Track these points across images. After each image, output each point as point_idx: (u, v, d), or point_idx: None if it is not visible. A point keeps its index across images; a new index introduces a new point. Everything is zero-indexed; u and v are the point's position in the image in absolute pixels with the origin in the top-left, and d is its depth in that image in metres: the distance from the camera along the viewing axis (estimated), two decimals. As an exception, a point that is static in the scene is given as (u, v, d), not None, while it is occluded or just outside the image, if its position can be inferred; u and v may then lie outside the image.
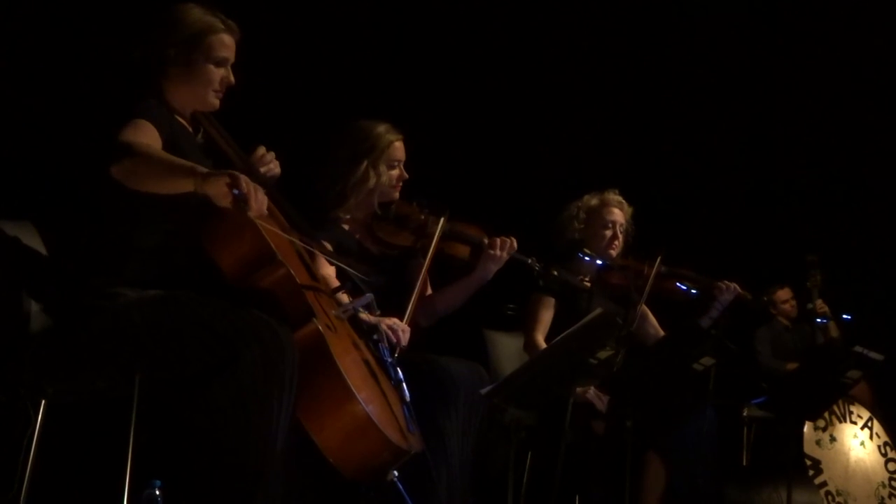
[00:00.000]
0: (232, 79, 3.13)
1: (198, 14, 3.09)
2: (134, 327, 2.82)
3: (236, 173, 2.73)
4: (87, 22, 4.28)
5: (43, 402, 3.03)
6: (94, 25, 4.27)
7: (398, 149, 3.93)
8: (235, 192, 2.68)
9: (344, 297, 3.35)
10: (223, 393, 2.70)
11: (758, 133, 6.75)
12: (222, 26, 3.10)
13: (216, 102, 3.13)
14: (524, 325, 4.50)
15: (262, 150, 3.28)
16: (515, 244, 3.93)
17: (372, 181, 3.86)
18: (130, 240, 2.93)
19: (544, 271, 4.11)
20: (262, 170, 3.26)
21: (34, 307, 3.10)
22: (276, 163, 3.30)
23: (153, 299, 2.86)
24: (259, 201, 2.75)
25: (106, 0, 4.37)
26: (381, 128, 3.92)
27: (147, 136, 2.86)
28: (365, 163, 3.85)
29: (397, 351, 3.51)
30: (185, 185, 2.76)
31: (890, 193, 6.53)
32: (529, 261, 4.03)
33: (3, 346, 3.09)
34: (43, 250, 3.31)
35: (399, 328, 3.55)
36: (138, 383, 2.84)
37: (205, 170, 2.76)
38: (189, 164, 2.81)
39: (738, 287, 4.60)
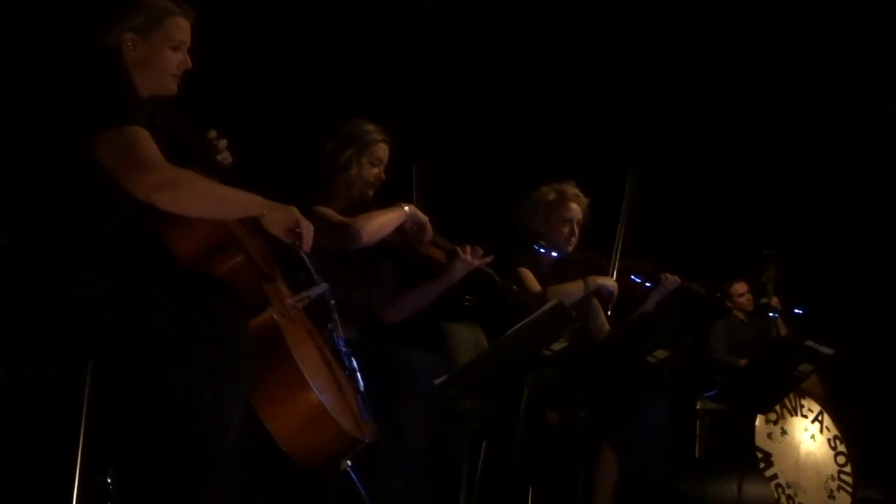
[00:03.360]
0: (189, 63, 3.10)
1: None
2: (89, 313, 2.81)
3: (299, 214, 2.94)
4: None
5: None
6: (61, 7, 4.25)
7: (383, 149, 4.00)
8: (297, 230, 2.92)
9: None
10: (178, 381, 2.70)
11: (716, 129, 6.73)
12: (178, 9, 3.08)
13: (174, 87, 3.10)
14: (514, 287, 4.46)
15: (213, 133, 3.28)
16: (480, 252, 4.04)
17: (353, 171, 3.94)
18: (89, 225, 2.90)
19: (505, 285, 4.18)
20: (219, 157, 3.26)
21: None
22: (227, 151, 3.29)
23: (110, 286, 2.84)
24: (309, 238, 2.97)
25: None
26: (372, 126, 4.01)
27: (152, 146, 2.85)
28: (350, 151, 3.94)
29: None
30: (248, 212, 2.96)
31: (843, 191, 6.59)
32: (493, 272, 4.10)
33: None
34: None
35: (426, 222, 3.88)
36: (91, 370, 2.83)
37: (265, 200, 2.92)
38: (246, 195, 2.93)
39: (679, 279, 4.63)
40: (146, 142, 2.83)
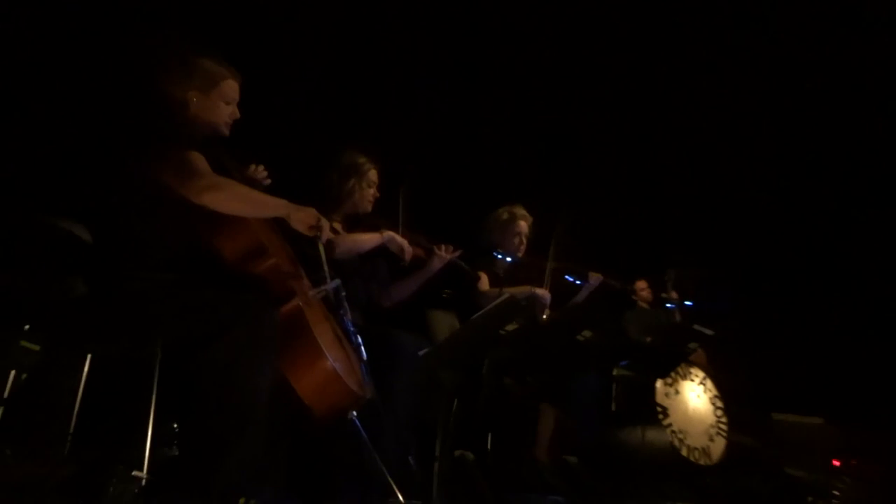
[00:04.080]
0: (238, 114, 3.10)
1: (212, 64, 3.07)
2: (155, 302, 2.80)
3: (318, 213, 2.96)
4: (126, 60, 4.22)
5: (88, 357, 3.02)
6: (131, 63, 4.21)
7: (374, 174, 4.01)
8: (318, 226, 2.95)
9: None
10: (220, 355, 2.69)
11: (636, 153, 6.54)
12: (230, 74, 3.08)
13: (226, 132, 3.11)
14: (472, 287, 4.49)
15: (253, 166, 3.29)
16: (452, 248, 4.04)
17: (356, 194, 3.95)
18: (156, 235, 2.89)
19: (472, 273, 4.20)
20: (259, 179, 3.28)
21: (79, 283, 3.08)
22: (266, 174, 3.31)
23: (170, 281, 2.84)
24: (327, 231, 2.99)
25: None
26: (363, 158, 4.00)
27: (204, 162, 2.86)
28: (353, 180, 3.95)
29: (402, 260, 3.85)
30: (277, 212, 2.96)
31: (732, 209, 6.48)
32: (462, 264, 4.11)
33: (53, 312, 3.06)
34: (88, 240, 3.29)
35: (404, 244, 3.87)
36: (160, 345, 2.83)
37: (290, 203, 2.94)
38: (275, 199, 2.95)
39: (602, 276, 4.63)
40: (199, 160, 2.84)
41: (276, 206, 2.94)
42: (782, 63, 6.16)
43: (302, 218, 2.94)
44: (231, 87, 3.08)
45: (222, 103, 3.07)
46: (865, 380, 5.69)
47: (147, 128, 2.95)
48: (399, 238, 3.88)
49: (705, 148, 6.36)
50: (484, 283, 4.45)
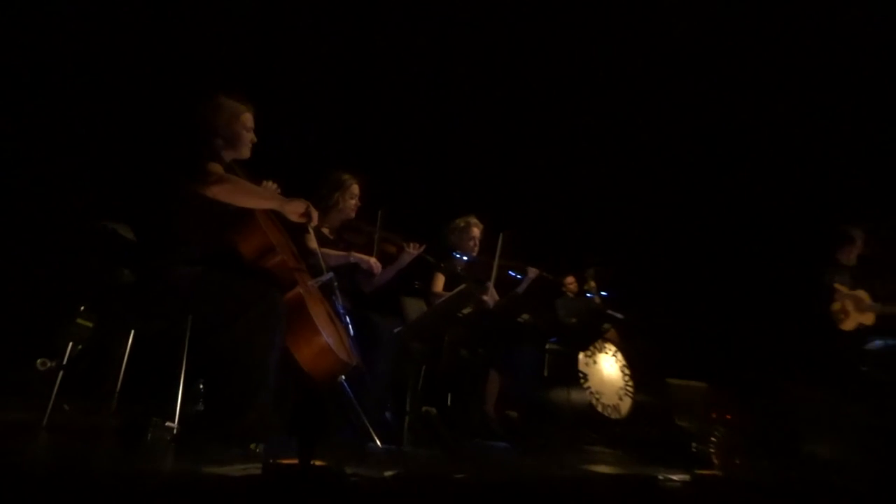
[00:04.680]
0: (255, 138, 3.08)
1: (232, 102, 3.06)
2: (187, 289, 2.80)
3: (307, 203, 2.91)
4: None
5: (132, 331, 3.00)
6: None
7: (356, 188, 3.96)
8: (308, 213, 2.90)
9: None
10: (238, 332, 2.71)
11: (565, 174, 6.28)
12: (246, 108, 3.07)
13: (248, 154, 3.08)
14: (428, 286, 4.47)
15: (265, 182, 3.26)
16: (419, 245, 4.01)
17: (340, 205, 3.90)
18: (188, 233, 2.88)
19: (437, 266, 4.20)
20: None
21: (126, 272, 3.07)
22: (277, 187, 3.27)
23: (198, 272, 2.83)
24: (315, 219, 2.94)
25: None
26: (347, 175, 3.96)
27: (219, 168, 2.88)
28: (337, 194, 3.91)
29: (372, 274, 3.75)
30: (271, 205, 2.93)
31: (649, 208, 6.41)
32: (429, 257, 4.09)
33: (104, 295, 3.04)
34: (132, 238, 3.28)
35: (375, 263, 3.79)
36: (190, 323, 2.83)
37: (283, 197, 2.92)
38: (271, 193, 2.95)
39: (538, 271, 4.61)
40: (215, 166, 2.85)
41: (271, 199, 2.94)
42: (684, 87, 6.11)
43: (293, 208, 2.91)
44: (248, 118, 3.07)
45: (244, 131, 3.06)
46: (736, 354, 5.76)
47: (188, 152, 2.95)
48: (364, 258, 3.81)
49: (616, 173, 6.37)
50: (438, 284, 4.39)
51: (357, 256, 3.75)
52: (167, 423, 2.69)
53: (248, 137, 3.06)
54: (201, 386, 2.97)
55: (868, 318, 5.23)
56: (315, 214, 2.94)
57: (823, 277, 5.20)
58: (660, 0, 5.66)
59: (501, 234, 4.41)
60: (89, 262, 3.39)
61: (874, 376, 5.19)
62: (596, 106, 6.19)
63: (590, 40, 5.90)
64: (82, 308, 3.13)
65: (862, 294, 5.22)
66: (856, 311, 5.23)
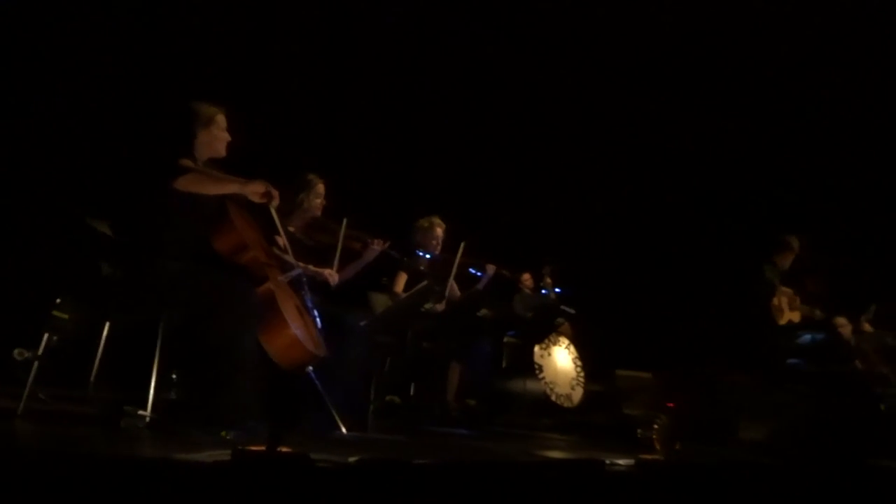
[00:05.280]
0: (230, 138, 3.06)
1: (207, 107, 3.04)
2: (166, 282, 2.78)
3: (267, 184, 2.86)
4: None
5: (107, 323, 2.95)
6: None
7: (321, 189, 3.89)
8: (269, 193, 2.84)
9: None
10: (216, 323, 2.68)
11: (523, 181, 6.32)
12: (220, 110, 3.06)
13: (224, 152, 3.06)
14: (390, 284, 4.42)
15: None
16: (383, 242, 3.96)
17: (306, 205, 3.83)
18: (168, 231, 2.86)
19: (401, 261, 4.16)
20: None
21: (104, 266, 3.01)
22: None
23: (177, 267, 2.81)
24: (277, 198, 2.89)
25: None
26: (312, 175, 3.89)
27: (188, 163, 2.85)
28: (302, 195, 3.84)
29: (331, 287, 3.60)
30: (233, 189, 2.87)
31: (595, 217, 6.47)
32: (393, 253, 4.05)
33: (84, 289, 2.98)
34: (111, 234, 3.22)
35: (331, 274, 3.65)
36: (166, 314, 2.80)
37: (244, 180, 2.86)
38: (232, 177, 2.89)
39: (496, 268, 4.59)
40: (187, 162, 2.84)
41: (232, 184, 2.89)
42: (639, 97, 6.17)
43: (253, 189, 2.87)
44: (221, 119, 3.06)
45: (218, 132, 3.04)
46: (679, 346, 5.85)
47: (164, 153, 2.92)
48: (320, 271, 3.66)
49: (570, 178, 6.42)
50: (399, 284, 4.34)
51: (312, 270, 3.61)
52: (139, 412, 2.64)
53: (224, 137, 3.05)
54: (174, 376, 2.92)
55: (796, 316, 5.40)
56: (276, 194, 2.90)
57: (764, 274, 5.35)
58: (616, 13, 5.69)
59: (463, 242, 4.39)
60: (68, 256, 3.32)
61: (803, 367, 5.34)
62: (551, 114, 6.24)
63: (549, 48, 5.93)
64: (59, 300, 3.06)
65: (794, 293, 5.38)
66: (788, 309, 5.39)
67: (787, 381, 5.04)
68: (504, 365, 5.25)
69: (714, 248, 6.30)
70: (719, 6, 5.51)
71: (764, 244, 5.54)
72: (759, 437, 4.01)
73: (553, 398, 5.05)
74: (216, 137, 3.02)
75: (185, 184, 2.78)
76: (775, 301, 5.32)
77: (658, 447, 2.90)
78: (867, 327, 5.54)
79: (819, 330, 5.52)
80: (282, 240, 3.20)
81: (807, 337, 5.50)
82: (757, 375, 4.92)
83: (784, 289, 5.36)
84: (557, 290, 5.27)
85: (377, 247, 3.91)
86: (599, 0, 5.64)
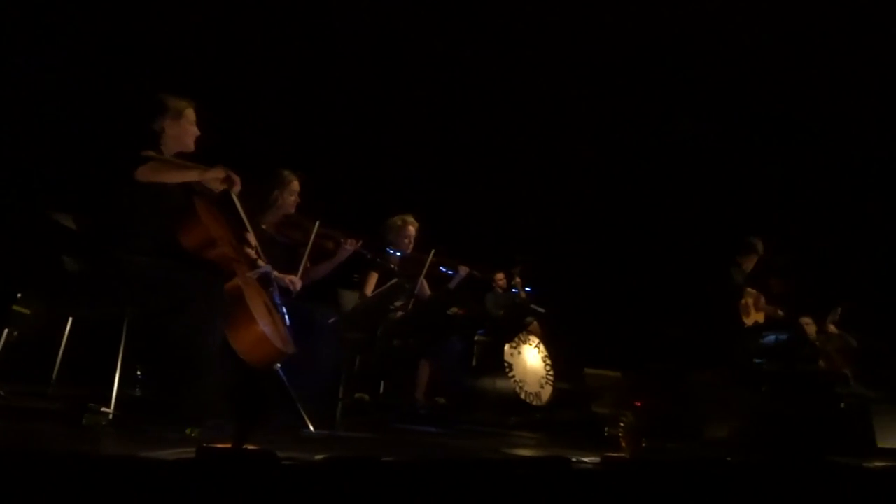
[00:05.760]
0: (198, 132, 3.04)
1: (176, 100, 3.02)
2: (132, 277, 2.73)
3: (227, 169, 2.82)
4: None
5: (70, 319, 2.90)
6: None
7: (296, 186, 3.87)
8: (230, 178, 2.80)
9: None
10: (183, 319, 2.65)
11: (498, 183, 6.28)
12: (189, 104, 3.03)
13: (193, 146, 3.03)
14: (361, 284, 4.41)
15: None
16: (356, 241, 3.94)
17: (280, 202, 3.81)
18: (131, 226, 2.82)
19: (374, 260, 4.14)
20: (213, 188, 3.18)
21: (67, 261, 2.96)
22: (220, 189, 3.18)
23: (144, 262, 2.77)
24: (238, 184, 2.85)
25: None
26: (287, 172, 3.87)
27: (152, 154, 2.81)
28: (276, 192, 3.81)
29: (292, 294, 3.50)
30: (193, 177, 2.84)
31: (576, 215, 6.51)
32: (366, 252, 4.03)
33: (46, 283, 2.93)
34: (74, 228, 3.17)
35: (294, 281, 3.57)
36: (130, 310, 2.76)
37: (204, 167, 2.83)
38: (193, 164, 2.86)
39: (468, 269, 4.60)
40: (150, 153, 2.80)
41: (192, 171, 2.87)
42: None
43: (214, 175, 2.85)
44: (190, 113, 3.04)
45: (188, 126, 3.02)
46: (647, 345, 5.92)
47: (131, 146, 2.87)
48: (284, 278, 3.59)
49: (543, 180, 6.47)
50: (370, 285, 4.32)
51: (278, 276, 3.54)
52: (102, 409, 2.59)
53: (192, 131, 3.02)
54: (139, 373, 2.88)
55: (761, 317, 5.52)
56: (237, 180, 2.88)
57: (731, 276, 5.45)
58: (586, 13, 5.73)
59: (433, 251, 4.38)
60: (30, 249, 3.25)
61: (767, 367, 5.45)
62: (524, 114, 6.27)
63: (521, 49, 5.96)
64: (20, 295, 3.00)
65: (759, 294, 5.50)
66: (755, 310, 5.50)
67: (752, 380, 5.14)
68: (474, 363, 5.26)
69: (681, 249, 6.39)
70: (688, 7, 5.58)
71: (730, 246, 5.64)
72: (723, 434, 4.08)
73: (522, 396, 5.07)
74: (185, 131, 2.99)
75: (145, 173, 2.75)
76: (742, 302, 5.43)
77: (624, 445, 2.93)
78: (832, 328, 5.69)
79: (783, 330, 5.64)
80: (251, 237, 3.17)
81: (771, 337, 5.62)
82: (722, 374, 5.01)
83: (750, 290, 5.47)
84: (528, 289, 5.30)
85: (350, 247, 3.90)
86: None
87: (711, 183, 6.58)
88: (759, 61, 5.94)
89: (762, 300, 5.50)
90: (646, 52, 5.92)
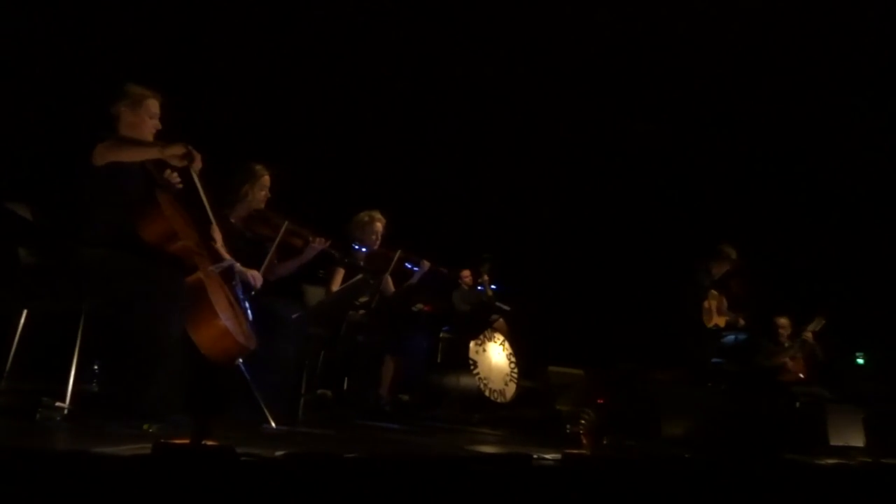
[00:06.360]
0: (159, 125, 2.98)
1: (138, 88, 2.97)
2: (90, 269, 2.69)
3: (187, 145, 2.74)
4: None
5: (24, 311, 2.84)
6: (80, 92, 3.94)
7: (266, 181, 3.80)
8: (190, 154, 2.72)
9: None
10: (140, 312, 2.61)
11: (465, 183, 6.39)
12: (152, 94, 2.97)
13: (150, 140, 2.96)
14: (327, 280, 4.37)
15: (168, 171, 3.07)
16: (324, 240, 3.91)
17: (250, 197, 3.75)
18: (92, 215, 2.77)
19: (339, 257, 4.11)
20: (173, 182, 3.12)
21: (22, 252, 2.88)
22: (179, 181, 3.10)
23: (102, 253, 2.72)
24: (199, 161, 2.78)
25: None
26: (258, 166, 3.80)
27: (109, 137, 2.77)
28: (246, 186, 3.76)
29: (252, 289, 3.44)
30: (152, 154, 2.77)
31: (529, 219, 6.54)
32: (333, 252, 3.99)
33: (1, 275, 2.86)
34: (30, 219, 3.10)
35: (255, 276, 3.52)
36: (87, 303, 2.71)
37: (163, 143, 2.76)
38: (148, 144, 2.80)
39: (432, 264, 4.56)
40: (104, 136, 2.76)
41: (150, 150, 2.82)
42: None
43: (173, 152, 2.76)
44: (153, 104, 2.98)
45: (147, 117, 2.96)
46: (611, 344, 6.00)
47: (86, 132, 2.82)
48: (246, 272, 3.52)
49: (513, 180, 6.50)
50: (336, 281, 4.29)
51: (240, 269, 3.48)
52: (57, 404, 2.54)
53: (151, 124, 2.96)
54: (95, 367, 2.82)
55: (721, 321, 5.65)
56: (197, 156, 2.80)
57: (698, 279, 5.56)
58: (554, 16, 5.78)
59: (399, 250, 4.37)
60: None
61: (725, 366, 5.57)
62: (491, 113, 6.31)
63: (488, 49, 5.98)
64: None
65: (723, 298, 5.62)
66: (717, 313, 5.62)
67: (710, 379, 5.24)
68: (439, 360, 5.27)
69: (646, 250, 6.49)
70: (658, 11, 5.65)
71: (696, 247, 5.75)
72: (681, 432, 4.15)
73: (487, 394, 5.10)
74: (142, 121, 2.93)
75: (101, 152, 2.70)
76: (705, 304, 5.53)
77: (585, 442, 2.97)
78: (809, 336, 5.85)
79: (742, 331, 5.78)
80: (215, 231, 3.12)
81: (730, 337, 5.74)
82: (681, 373, 5.10)
83: (713, 292, 5.58)
84: (494, 286, 5.32)
85: (318, 245, 3.87)
86: (536, 2, 5.72)
87: (677, 185, 6.69)
88: (728, 66, 6.06)
89: (724, 304, 5.62)
90: (615, 54, 5.99)
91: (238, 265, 3.38)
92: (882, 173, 6.39)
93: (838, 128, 6.32)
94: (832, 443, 4.67)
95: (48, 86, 4.07)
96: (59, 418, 2.53)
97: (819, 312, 5.88)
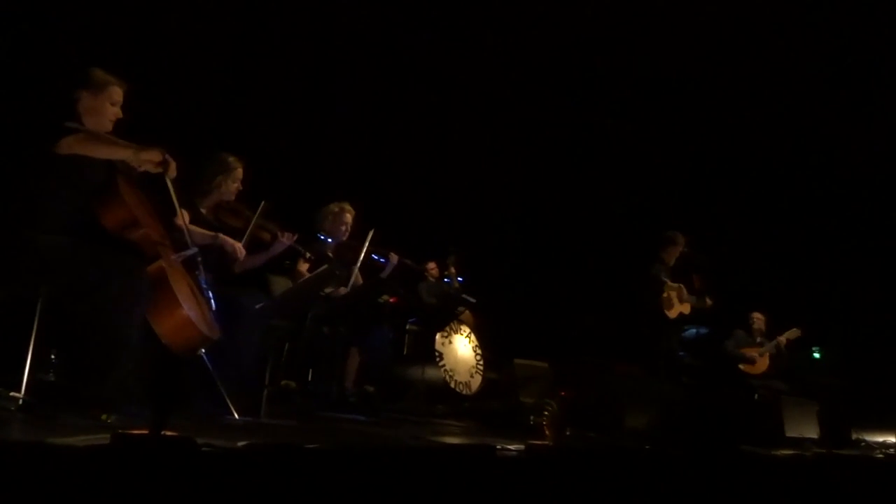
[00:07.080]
0: (120, 114, 2.92)
1: (101, 74, 2.90)
2: (48, 257, 2.63)
3: (164, 151, 2.71)
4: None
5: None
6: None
7: (239, 173, 3.77)
8: (165, 161, 2.69)
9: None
10: (100, 302, 2.56)
11: (432, 177, 6.40)
12: (116, 81, 2.91)
13: (110, 128, 2.91)
14: (293, 270, 4.27)
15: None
16: (292, 236, 3.88)
17: (222, 188, 3.72)
18: (53, 203, 2.70)
19: (304, 253, 4.07)
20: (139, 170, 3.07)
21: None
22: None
23: (61, 241, 2.67)
24: (173, 168, 2.75)
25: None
26: (232, 158, 3.77)
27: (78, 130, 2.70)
28: (219, 177, 3.72)
29: (232, 260, 3.52)
30: (124, 155, 2.72)
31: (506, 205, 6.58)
32: (300, 248, 3.97)
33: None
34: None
35: (238, 247, 3.54)
36: (45, 291, 2.66)
37: (137, 146, 2.70)
38: (124, 145, 2.73)
39: (398, 257, 4.55)
40: (74, 126, 2.70)
41: (124, 148, 2.76)
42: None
43: (149, 157, 2.73)
44: (115, 92, 2.91)
45: (108, 104, 2.89)
46: (574, 337, 6.07)
47: (47, 116, 2.75)
48: (229, 241, 3.58)
49: (478, 174, 6.53)
50: (302, 272, 4.26)
51: (223, 238, 3.54)
52: (11, 394, 2.48)
53: (112, 111, 2.90)
54: (52, 356, 2.77)
55: (686, 308, 5.73)
56: (173, 164, 2.77)
57: (651, 271, 5.64)
58: (522, 12, 5.81)
59: (371, 231, 4.36)
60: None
61: (687, 360, 5.67)
62: (457, 107, 6.33)
63: (455, 42, 5.99)
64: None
65: (682, 287, 5.70)
66: (678, 301, 5.71)
67: (671, 372, 5.33)
68: (405, 352, 5.27)
69: (608, 243, 6.58)
70: (611, 6, 5.72)
71: (653, 241, 5.84)
72: (642, 424, 4.22)
73: (452, 385, 5.13)
74: (103, 108, 2.87)
75: (70, 144, 2.63)
76: (665, 295, 5.62)
77: (548, 433, 3.00)
78: (782, 341, 6.03)
79: (705, 323, 5.89)
80: (180, 219, 3.07)
81: (692, 330, 5.85)
82: (643, 366, 5.18)
83: (671, 283, 5.67)
84: (460, 279, 5.34)
85: (286, 240, 3.86)
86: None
87: (636, 179, 6.79)
88: (679, 58, 6.16)
89: (685, 292, 5.71)
90: (576, 49, 6.05)
91: (221, 234, 3.35)
92: (842, 170, 6.56)
93: (802, 126, 6.46)
94: (788, 434, 4.80)
95: (3, 71, 3.95)
96: (14, 408, 2.48)
97: (798, 324, 6.12)
